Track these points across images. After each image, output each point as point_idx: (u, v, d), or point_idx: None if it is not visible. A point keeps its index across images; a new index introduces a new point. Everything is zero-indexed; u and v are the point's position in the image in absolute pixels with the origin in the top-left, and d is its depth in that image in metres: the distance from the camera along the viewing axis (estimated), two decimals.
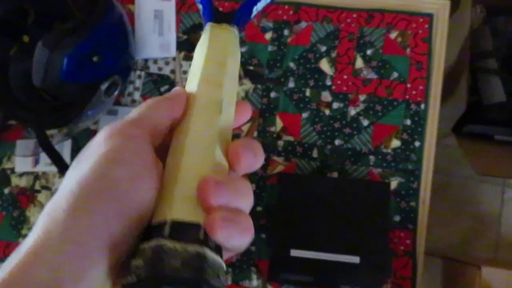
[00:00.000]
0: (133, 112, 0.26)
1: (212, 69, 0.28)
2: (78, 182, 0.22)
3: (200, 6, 0.33)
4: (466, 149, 0.87)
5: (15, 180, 0.74)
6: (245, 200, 0.23)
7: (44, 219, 0.21)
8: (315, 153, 0.71)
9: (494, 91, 0.92)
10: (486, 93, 0.93)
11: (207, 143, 0.25)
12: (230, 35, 0.31)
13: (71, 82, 0.59)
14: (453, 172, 1.11)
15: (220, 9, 0.38)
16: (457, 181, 1.11)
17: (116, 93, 0.67)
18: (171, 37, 0.77)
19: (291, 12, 0.77)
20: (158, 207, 0.23)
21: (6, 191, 0.74)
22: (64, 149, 0.73)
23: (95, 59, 0.59)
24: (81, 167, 0.22)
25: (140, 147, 0.24)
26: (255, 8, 0.33)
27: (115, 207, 0.21)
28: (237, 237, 0.22)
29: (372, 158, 0.70)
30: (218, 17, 0.31)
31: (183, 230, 0.21)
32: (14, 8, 0.62)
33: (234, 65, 0.30)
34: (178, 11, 0.78)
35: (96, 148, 0.24)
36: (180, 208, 0.22)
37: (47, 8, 0.67)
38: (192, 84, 0.28)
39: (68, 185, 0.22)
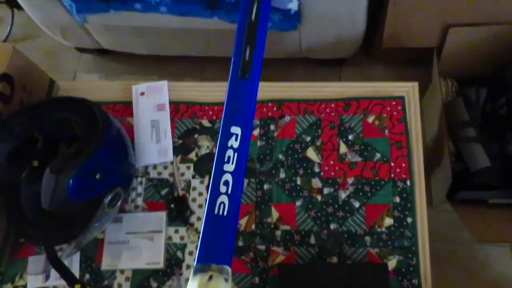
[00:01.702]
0: None
1: None
2: None
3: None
4: (462, 216, 0.88)
5: None
6: None
7: None
8: (312, 240, 0.74)
9: (477, 158, 0.96)
10: (470, 160, 0.97)
11: None
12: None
13: (76, 200, 0.64)
14: (458, 238, 1.11)
15: None
16: (463, 247, 1.11)
17: (119, 203, 0.72)
18: (168, 143, 0.84)
19: (275, 109, 0.84)
20: None
21: None
22: (73, 261, 0.76)
23: (98, 176, 0.65)
24: None
25: None
26: None
27: None
28: None
29: (368, 238, 0.72)
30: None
31: None
32: (26, 138, 0.69)
33: None
34: (172, 119, 0.86)
35: None
36: None
37: (54, 134, 0.74)
38: None
39: None
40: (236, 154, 0.49)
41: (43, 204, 0.61)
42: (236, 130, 0.50)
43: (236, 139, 0.50)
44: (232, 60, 0.50)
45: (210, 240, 0.46)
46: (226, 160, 0.49)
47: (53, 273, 0.76)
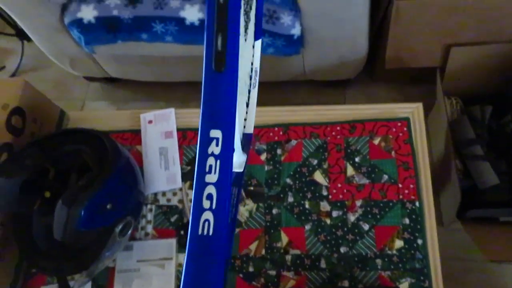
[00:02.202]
0: None
1: None
2: None
3: None
4: (473, 235, 0.88)
5: None
6: None
7: None
8: (323, 263, 0.73)
9: (486, 176, 0.96)
10: (479, 178, 0.97)
11: None
12: None
13: (88, 231, 0.64)
14: (470, 257, 1.10)
15: None
16: (476, 266, 1.09)
17: (130, 232, 0.72)
18: (176, 170, 0.85)
19: (281, 133, 0.85)
20: None
21: None
22: None
23: (108, 206, 0.66)
24: None
25: None
26: None
27: None
28: None
29: (379, 261, 0.72)
30: None
31: None
32: (37, 170, 0.71)
33: None
34: (180, 146, 0.87)
35: None
36: None
37: (65, 164, 0.75)
38: None
39: None
40: (218, 161, 0.41)
41: (55, 236, 0.62)
42: (216, 133, 0.41)
43: (217, 144, 0.41)
44: (204, 52, 0.42)
45: (194, 268, 0.39)
46: (207, 170, 0.41)
47: None
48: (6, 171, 0.68)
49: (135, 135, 0.89)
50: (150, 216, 0.82)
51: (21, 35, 1.69)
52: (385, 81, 1.37)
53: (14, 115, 0.78)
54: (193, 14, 1.05)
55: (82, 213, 0.62)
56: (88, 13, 1.10)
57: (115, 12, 1.09)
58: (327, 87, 1.41)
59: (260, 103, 0.85)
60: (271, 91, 1.26)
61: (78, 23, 1.11)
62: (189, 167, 0.85)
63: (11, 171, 0.68)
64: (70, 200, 0.61)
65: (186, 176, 0.84)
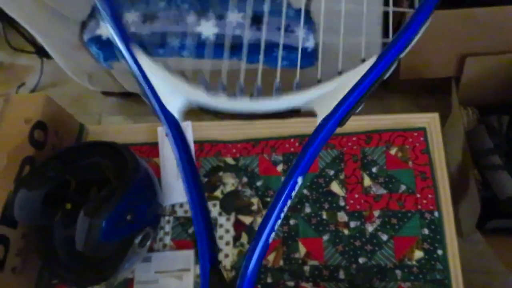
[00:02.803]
0: None
1: None
2: None
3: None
4: (494, 246, 0.86)
5: None
6: None
7: None
8: (341, 274, 0.73)
9: (505, 185, 0.95)
10: (498, 188, 0.96)
11: None
12: None
13: (109, 241, 0.65)
14: (492, 269, 1.08)
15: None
16: (498, 278, 1.07)
17: (148, 243, 0.73)
18: None
19: (297, 144, 0.85)
20: None
21: None
22: None
23: (128, 217, 0.67)
24: None
25: None
26: None
27: None
28: None
29: (398, 272, 0.71)
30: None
31: None
32: (59, 183, 0.72)
33: None
34: (197, 158, 0.88)
35: None
36: None
37: (85, 177, 0.77)
38: None
39: None
40: None
41: (77, 247, 0.63)
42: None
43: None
44: None
45: None
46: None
47: None
48: (28, 183, 0.70)
49: (152, 148, 0.91)
50: (168, 228, 0.82)
51: (41, 53, 1.74)
52: (400, 92, 1.38)
53: (36, 129, 0.80)
54: (208, 29, 1.07)
55: (104, 224, 0.63)
56: (107, 30, 1.13)
57: (132, 29, 1.11)
58: None
59: (273, 116, 0.87)
60: None
61: (97, 40, 1.14)
62: (206, 179, 0.86)
63: (33, 183, 0.70)
64: (92, 211, 0.63)
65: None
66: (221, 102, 0.51)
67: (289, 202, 0.50)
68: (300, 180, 0.49)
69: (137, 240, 0.69)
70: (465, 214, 1.03)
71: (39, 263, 0.80)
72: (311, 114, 0.87)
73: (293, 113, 0.46)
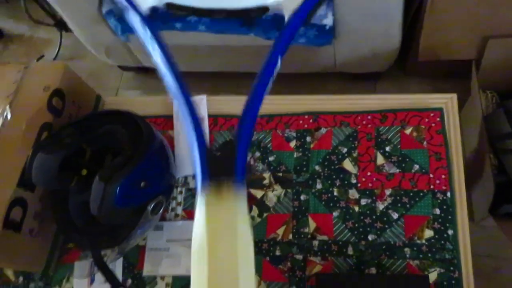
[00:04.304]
0: None
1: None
2: None
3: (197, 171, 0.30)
4: (506, 231, 0.85)
5: None
6: None
7: None
8: (350, 250, 0.73)
9: None
10: None
11: None
12: (231, 211, 0.27)
13: (122, 207, 0.67)
14: (502, 255, 1.07)
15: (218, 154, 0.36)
16: (507, 264, 1.06)
17: (161, 211, 0.74)
18: None
19: (311, 121, 0.85)
20: None
21: None
22: (117, 266, 0.79)
23: (142, 185, 0.68)
24: None
25: None
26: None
27: None
28: None
29: (407, 250, 0.71)
30: (215, 171, 0.29)
31: None
32: (75, 149, 0.74)
33: (244, 245, 0.27)
34: (211, 131, 0.88)
35: None
36: None
37: (101, 145, 0.78)
38: None
39: None
40: None
41: (92, 211, 0.65)
42: None
43: None
44: None
45: None
46: None
47: (97, 278, 0.79)
48: (46, 148, 0.71)
49: (167, 120, 0.92)
50: (180, 198, 0.84)
51: (60, 26, 1.75)
52: (417, 75, 1.35)
53: (54, 97, 0.82)
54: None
55: (118, 189, 0.64)
56: None
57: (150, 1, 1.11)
58: (357, 81, 1.40)
59: (288, 93, 0.86)
60: (299, 82, 1.27)
61: (115, 12, 1.15)
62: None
63: (51, 148, 0.72)
64: (107, 177, 0.64)
65: None
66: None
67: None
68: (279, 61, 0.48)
69: (150, 207, 0.71)
70: (478, 198, 1.02)
71: (55, 226, 0.82)
72: (322, 93, 0.86)
73: (262, 12, 0.45)
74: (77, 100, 0.88)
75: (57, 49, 1.78)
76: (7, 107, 0.80)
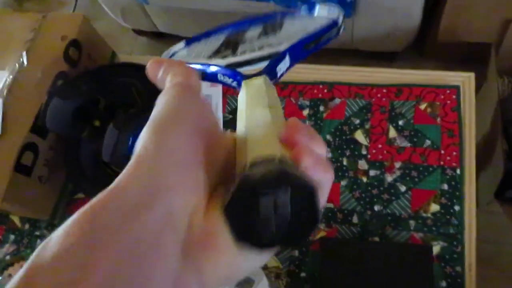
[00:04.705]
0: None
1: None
2: (155, 116, 0.26)
3: (228, 80, 0.36)
4: (510, 215, 0.85)
5: None
6: (323, 149, 0.26)
7: (136, 149, 0.24)
8: (355, 219, 0.74)
9: None
10: None
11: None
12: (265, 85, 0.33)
13: None
14: (504, 241, 1.07)
15: None
16: (508, 249, 1.07)
17: None
18: (219, 117, 0.86)
19: (325, 91, 0.85)
20: (255, 147, 0.25)
21: None
22: None
23: None
24: (156, 108, 0.27)
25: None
26: (278, 68, 0.36)
27: (193, 126, 0.25)
28: (321, 172, 0.24)
29: (412, 222, 0.72)
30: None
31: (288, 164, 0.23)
32: (90, 99, 0.74)
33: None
34: (224, 94, 0.88)
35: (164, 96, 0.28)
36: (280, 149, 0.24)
37: (114, 98, 0.78)
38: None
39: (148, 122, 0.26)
40: None
41: (104, 157, 0.65)
42: None
43: None
44: None
45: None
46: None
47: None
48: (62, 93, 0.72)
49: None
50: None
51: None
52: (433, 58, 1.34)
53: (71, 47, 0.81)
54: None
55: (131, 138, 0.64)
56: None
57: None
58: (372, 60, 1.39)
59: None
60: (315, 57, 1.25)
61: None
62: (231, 116, 0.86)
63: (66, 93, 0.72)
64: (121, 125, 0.64)
65: (227, 124, 0.86)
66: None
67: None
68: None
69: None
70: (485, 183, 1.02)
71: (64, 176, 0.83)
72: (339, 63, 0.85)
73: None
74: (93, 53, 0.88)
75: (73, 9, 1.77)
76: (24, 53, 0.80)
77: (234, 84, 0.36)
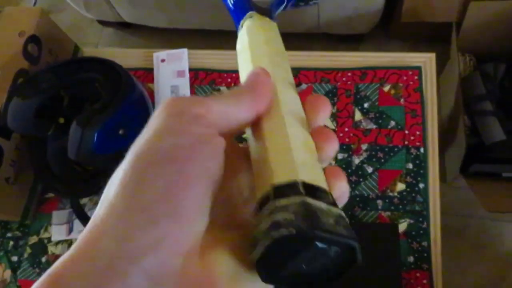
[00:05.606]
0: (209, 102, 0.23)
1: (275, 52, 0.29)
2: (135, 154, 0.21)
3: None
4: (475, 189, 0.89)
5: (51, 249, 0.80)
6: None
7: (105, 194, 0.20)
8: None
9: (493, 131, 0.96)
10: (485, 134, 0.97)
11: (300, 115, 0.25)
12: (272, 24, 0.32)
13: (100, 154, 0.67)
14: (470, 214, 1.12)
15: None
16: (475, 222, 1.11)
17: None
18: None
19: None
20: (274, 171, 0.22)
21: (44, 259, 0.80)
22: None
23: (121, 132, 0.68)
24: (138, 142, 0.22)
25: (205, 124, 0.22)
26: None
27: (176, 171, 0.20)
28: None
29: (379, 202, 0.74)
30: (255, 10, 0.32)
31: (318, 192, 0.21)
32: (52, 96, 0.73)
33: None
34: (191, 85, 0.88)
35: (153, 123, 0.22)
36: (306, 172, 0.22)
37: (79, 93, 0.77)
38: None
39: (126, 159, 0.21)
40: None
41: (69, 155, 0.65)
42: None
43: None
44: None
45: None
46: None
47: (76, 227, 0.79)
48: (22, 92, 0.70)
49: (148, 73, 0.90)
50: None
51: None
52: (399, 39, 1.36)
53: (30, 43, 0.79)
54: None
55: (96, 135, 0.64)
56: None
57: None
58: (340, 43, 1.40)
59: None
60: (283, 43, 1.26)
61: None
62: None
63: (26, 92, 0.70)
64: (85, 122, 0.64)
65: None
66: None
67: None
68: None
69: None
70: (450, 159, 1.05)
71: (33, 176, 0.82)
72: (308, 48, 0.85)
73: None
74: (54, 48, 0.86)
75: (34, 1, 1.71)
76: None
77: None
